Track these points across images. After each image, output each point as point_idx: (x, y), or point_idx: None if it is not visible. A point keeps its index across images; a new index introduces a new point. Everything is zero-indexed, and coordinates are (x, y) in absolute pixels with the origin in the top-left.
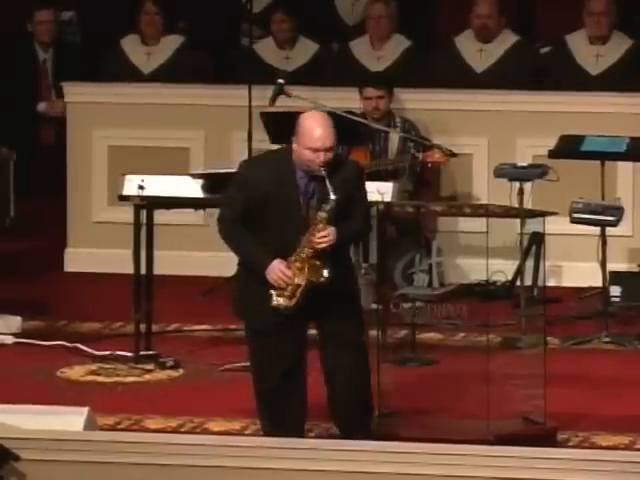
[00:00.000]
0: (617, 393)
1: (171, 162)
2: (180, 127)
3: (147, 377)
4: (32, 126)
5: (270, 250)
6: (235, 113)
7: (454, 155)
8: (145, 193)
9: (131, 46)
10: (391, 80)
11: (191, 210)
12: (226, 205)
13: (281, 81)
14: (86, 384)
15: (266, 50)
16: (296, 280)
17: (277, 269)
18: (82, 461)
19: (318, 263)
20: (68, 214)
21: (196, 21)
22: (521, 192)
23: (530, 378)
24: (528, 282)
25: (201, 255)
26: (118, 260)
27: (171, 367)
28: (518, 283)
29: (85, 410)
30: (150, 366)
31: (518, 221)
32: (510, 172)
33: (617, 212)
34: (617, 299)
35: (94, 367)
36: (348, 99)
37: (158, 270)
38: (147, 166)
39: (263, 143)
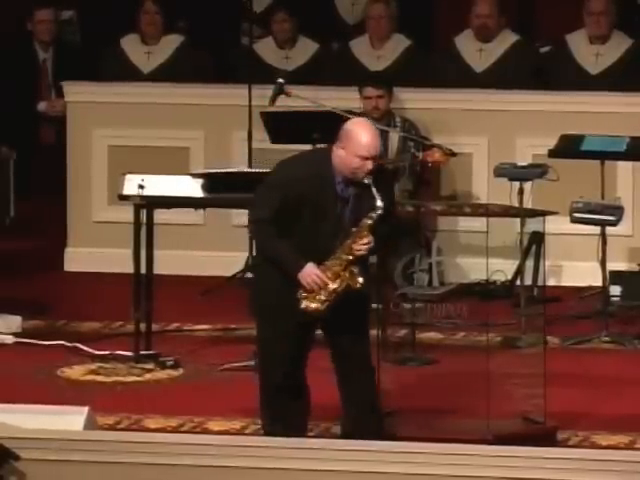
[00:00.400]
0: (617, 392)
1: (171, 162)
2: (180, 127)
3: (147, 377)
4: (32, 125)
5: (300, 253)
6: (235, 113)
7: (454, 154)
8: (145, 193)
9: (131, 45)
10: (391, 80)
11: (191, 210)
12: (259, 206)
13: (281, 81)
14: (86, 384)
15: (266, 50)
16: (331, 285)
17: (312, 273)
18: (82, 461)
19: (355, 270)
20: (68, 214)
21: (196, 21)
22: (521, 192)
23: (530, 377)
24: (528, 281)
25: (201, 255)
26: (118, 260)
27: (171, 367)
28: (518, 282)
29: (85, 410)
30: (150, 366)
31: (518, 220)
32: (510, 172)
33: (617, 212)
34: (617, 298)
35: (94, 367)
36: (348, 99)
37: (158, 270)
38: (147, 166)
39: (263, 143)
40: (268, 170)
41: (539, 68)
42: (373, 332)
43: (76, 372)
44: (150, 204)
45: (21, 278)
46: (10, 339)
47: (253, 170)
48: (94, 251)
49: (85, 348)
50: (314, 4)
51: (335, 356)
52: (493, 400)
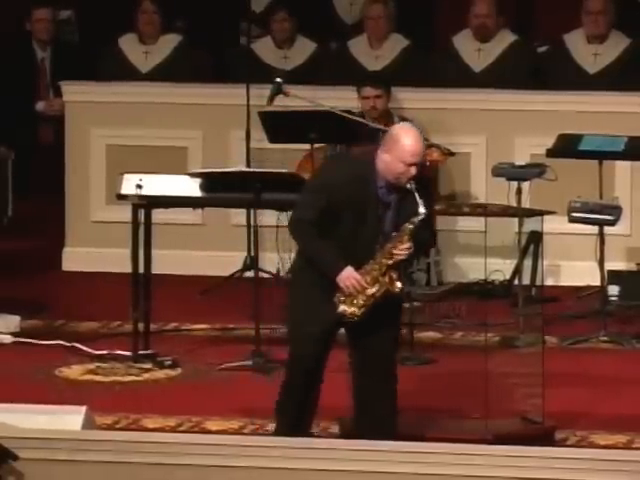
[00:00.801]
0: (615, 392)
1: (169, 161)
2: (178, 126)
3: (145, 376)
4: (31, 125)
5: (344, 259)
6: (233, 112)
7: (452, 154)
8: (143, 192)
9: (129, 45)
10: (389, 79)
11: (189, 209)
12: (303, 207)
13: (279, 80)
14: (84, 383)
15: (264, 49)
16: (369, 290)
17: (352, 277)
18: (80, 460)
19: (394, 275)
20: (66, 213)
21: (194, 20)
22: (519, 191)
23: (528, 377)
24: (526, 281)
25: (199, 254)
26: (116, 259)
27: (169, 366)
28: (516, 282)
29: (83, 409)
30: (148, 365)
31: (516, 220)
32: (508, 171)
33: (615, 211)
34: (615, 298)
35: (92, 366)
36: (346, 98)
37: (156, 269)
38: (145, 165)
39: (261, 142)
40: (266, 170)
41: (537, 68)
42: None
43: (74, 372)
44: (148, 204)
45: (19, 278)
46: (8, 339)
47: (251, 170)
48: (92, 251)
49: (83, 348)
50: (312, 4)
51: (358, 358)
52: (491, 400)
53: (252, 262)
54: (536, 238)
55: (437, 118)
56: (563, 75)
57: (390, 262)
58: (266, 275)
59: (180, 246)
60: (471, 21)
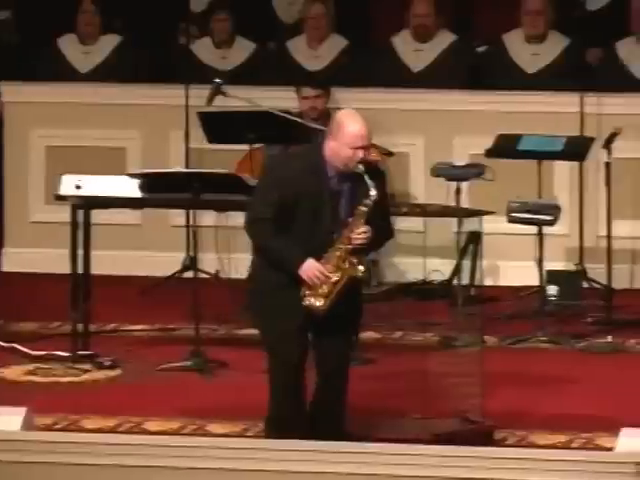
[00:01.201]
0: (554, 392)
1: (108, 162)
2: (117, 126)
3: (85, 377)
4: None
5: (303, 252)
6: (172, 113)
7: (391, 154)
8: (82, 193)
9: (68, 45)
10: (328, 80)
11: (128, 210)
12: (256, 206)
13: (218, 81)
14: (23, 384)
15: (203, 50)
16: (332, 278)
17: (313, 267)
18: (20, 461)
19: (354, 260)
20: (5, 214)
21: (133, 20)
22: (458, 191)
23: (468, 377)
24: (465, 281)
25: (138, 255)
26: (55, 260)
27: (109, 367)
28: (455, 282)
29: (23, 410)
30: (88, 366)
31: (455, 220)
32: (447, 171)
33: (554, 211)
34: (554, 298)
35: (31, 367)
36: (285, 98)
37: (95, 270)
38: (84, 166)
39: (200, 143)
40: (205, 170)
41: (476, 68)
42: None
43: (13, 372)
44: (87, 204)
45: None
46: None
47: (190, 170)
48: (31, 251)
49: (22, 348)
50: (251, 4)
51: (318, 358)
52: (431, 400)
53: (191, 262)
54: (475, 238)
55: (376, 118)
56: (502, 75)
57: (349, 247)
58: (205, 275)
59: (119, 247)
60: (410, 21)
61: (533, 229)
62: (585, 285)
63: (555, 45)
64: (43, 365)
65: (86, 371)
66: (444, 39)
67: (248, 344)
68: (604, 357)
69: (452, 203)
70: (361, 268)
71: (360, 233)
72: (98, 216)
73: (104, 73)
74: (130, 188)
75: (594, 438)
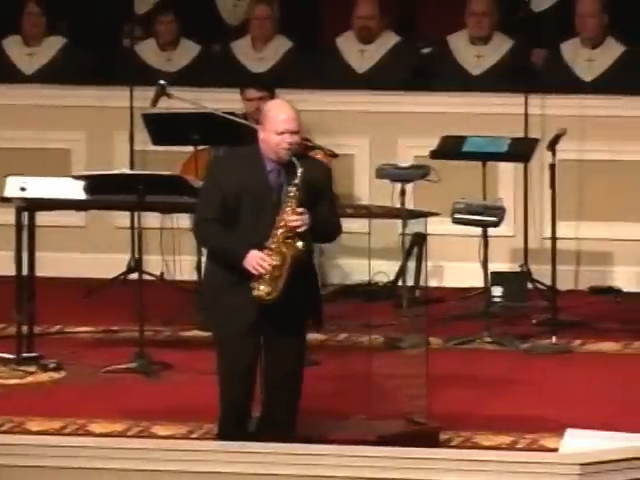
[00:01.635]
0: (499, 393)
1: (52, 163)
2: (61, 128)
3: (29, 379)
4: None
5: (247, 246)
6: (117, 114)
7: (335, 156)
8: (27, 195)
9: (13, 47)
10: (273, 81)
11: (73, 212)
12: (201, 207)
13: (162, 82)
14: None
15: (147, 51)
16: (275, 263)
17: (256, 256)
18: None
19: (291, 241)
20: None
21: (77, 21)
22: (403, 193)
23: (412, 378)
24: (410, 282)
25: (83, 257)
26: (0, 262)
27: (53, 369)
28: (400, 283)
29: None
30: (32, 368)
31: (400, 222)
32: (392, 173)
33: (498, 212)
34: (499, 299)
35: None
36: (230, 100)
37: (40, 272)
38: (29, 167)
39: (145, 144)
40: (150, 172)
41: (420, 69)
42: None
43: None
44: (32, 206)
45: None
46: None
47: (135, 172)
48: None
49: None
50: (196, 5)
51: (266, 359)
52: (376, 401)
53: (136, 264)
54: (420, 239)
55: (320, 119)
56: (446, 76)
57: (285, 230)
58: (150, 277)
59: (64, 249)
60: (354, 23)
61: (478, 230)
62: (530, 286)
63: (500, 46)
64: None
65: (31, 373)
66: (388, 40)
67: (193, 346)
68: (549, 358)
69: (397, 204)
70: (300, 244)
71: (295, 215)
72: (43, 218)
73: (49, 75)
74: (75, 190)
75: (539, 439)
